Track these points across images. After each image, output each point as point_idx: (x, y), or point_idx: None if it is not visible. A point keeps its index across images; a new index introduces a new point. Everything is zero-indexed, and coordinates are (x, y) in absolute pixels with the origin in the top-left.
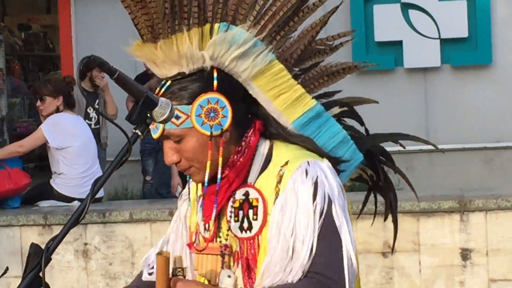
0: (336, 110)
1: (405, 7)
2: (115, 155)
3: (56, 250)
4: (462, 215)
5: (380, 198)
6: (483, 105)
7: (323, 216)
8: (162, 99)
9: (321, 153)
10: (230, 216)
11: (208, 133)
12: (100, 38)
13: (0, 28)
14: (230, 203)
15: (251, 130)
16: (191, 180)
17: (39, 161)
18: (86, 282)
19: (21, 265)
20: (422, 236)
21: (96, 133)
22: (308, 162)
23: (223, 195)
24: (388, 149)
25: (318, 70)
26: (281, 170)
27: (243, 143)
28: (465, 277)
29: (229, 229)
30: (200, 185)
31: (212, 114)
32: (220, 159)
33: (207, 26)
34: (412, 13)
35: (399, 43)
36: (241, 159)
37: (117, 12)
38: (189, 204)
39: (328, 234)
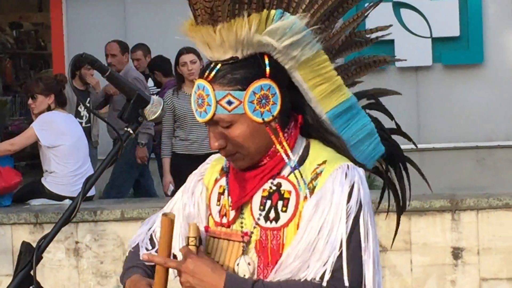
0: (364, 101)
1: (397, 6)
2: (106, 154)
3: (47, 248)
4: (453, 214)
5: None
6: (474, 104)
7: (351, 221)
8: (154, 97)
9: (354, 160)
10: (257, 204)
11: (260, 119)
12: (91, 37)
13: None
14: (260, 192)
15: (292, 123)
16: (209, 162)
17: (30, 160)
18: (77, 281)
19: (12, 264)
20: (413, 235)
21: (87, 132)
22: (348, 166)
23: (257, 183)
24: None
25: (352, 61)
26: (317, 168)
27: (285, 134)
28: (456, 276)
29: (259, 218)
30: (217, 170)
31: (263, 101)
32: (285, 143)
33: (265, 12)
34: (404, 12)
35: (391, 42)
36: (283, 148)
37: (109, 11)
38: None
39: (353, 239)
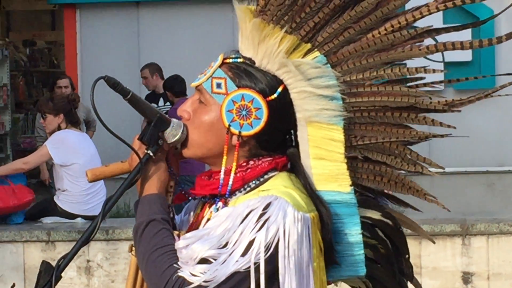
0: (375, 215)
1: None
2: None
3: None
4: (464, 239)
5: None
6: (485, 128)
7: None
8: (174, 120)
9: (316, 208)
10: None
11: (226, 123)
12: (104, 55)
13: (5, 44)
14: (208, 214)
15: (269, 159)
16: None
17: None
18: None
19: (24, 281)
20: (424, 259)
21: None
22: (279, 201)
23: (201, 191)
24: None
25: (382, 169)
26: (254, 194)
27: (251, 162)
28: None
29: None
30: None
31: (243, 112)
32: (234, 164)
33: (307, 45)
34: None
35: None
36: (238, 174)
37: (122, 29)
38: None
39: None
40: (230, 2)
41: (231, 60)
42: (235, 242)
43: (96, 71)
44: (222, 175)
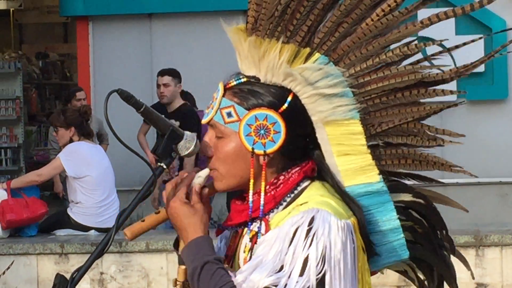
0: (407, 197)
1: (422, 41)
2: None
3: None
4: (477, 250)
5: None
6: (498, 139)
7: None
8: (187, 133)
9: (348, 207)
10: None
11: (249, 147)
12: (117, 68)
13: (18, 56)
14: (248, 232)
15: (297, 169)
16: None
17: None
18: None
19: None
20: None
21: None
22: (320, 213)
23: (243, 218)
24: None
25: (405, 151)
26: (294, 209)
27: (281, 177)
28: None
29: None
30: None
31: (262, 132)
32: (263, 183)
33: (306, 50)
34: (429, 47)
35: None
36: (272, 192)
37: (135, 42)
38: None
39: None
40: (242, 13)
41: (234, 83)
42: (290, 263)
43: (109, 83)
44: (251, 198)
